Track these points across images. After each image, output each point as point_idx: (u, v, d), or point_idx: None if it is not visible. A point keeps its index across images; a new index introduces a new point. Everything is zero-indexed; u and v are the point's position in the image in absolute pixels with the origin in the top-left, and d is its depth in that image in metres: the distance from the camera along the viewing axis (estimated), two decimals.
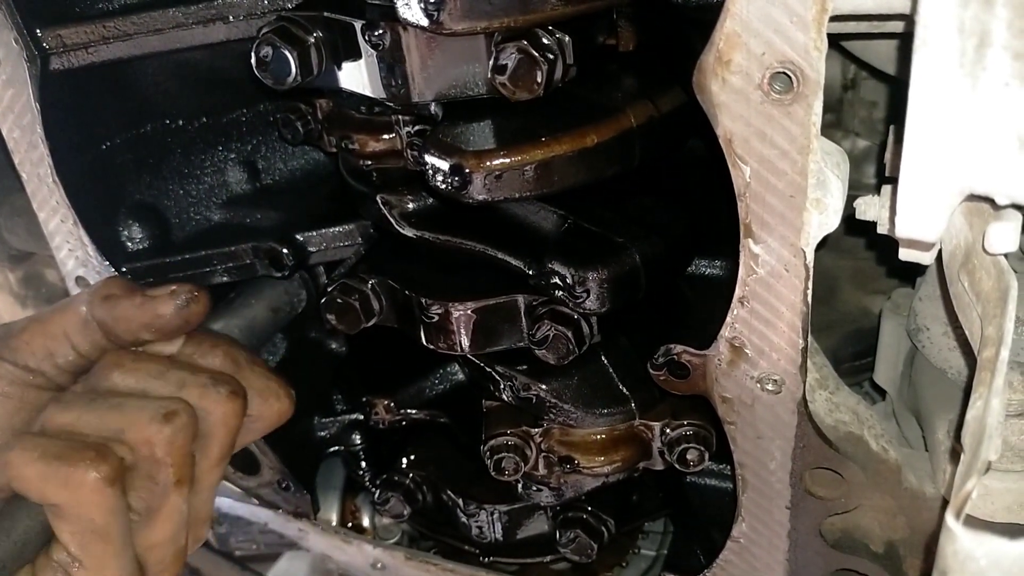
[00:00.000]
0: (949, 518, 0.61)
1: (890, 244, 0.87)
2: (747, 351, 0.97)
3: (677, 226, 1.11)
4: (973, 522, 0.62)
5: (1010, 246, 0.75)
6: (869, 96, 1.41)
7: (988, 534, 0.60)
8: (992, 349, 0.73)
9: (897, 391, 1.22)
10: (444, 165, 0.96)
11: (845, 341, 1.49)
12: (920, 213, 0.71)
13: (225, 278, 1.32)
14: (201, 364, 1.03)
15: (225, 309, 1.29)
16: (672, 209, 1.13)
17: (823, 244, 0.89)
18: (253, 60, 1.01)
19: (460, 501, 1.37)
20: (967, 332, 0.84)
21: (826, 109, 1.43)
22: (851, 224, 0.94)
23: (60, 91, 1.18)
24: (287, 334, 1.49)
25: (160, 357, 1.02)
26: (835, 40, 1.12)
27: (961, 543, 0.60)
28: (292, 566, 2.19)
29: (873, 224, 0.91)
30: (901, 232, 0.73)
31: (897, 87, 1.24)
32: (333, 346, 1.53)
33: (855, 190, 0.94)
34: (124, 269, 1.29)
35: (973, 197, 0.73)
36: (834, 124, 1.47)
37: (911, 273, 1.18)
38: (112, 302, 0.99)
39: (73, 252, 1.29)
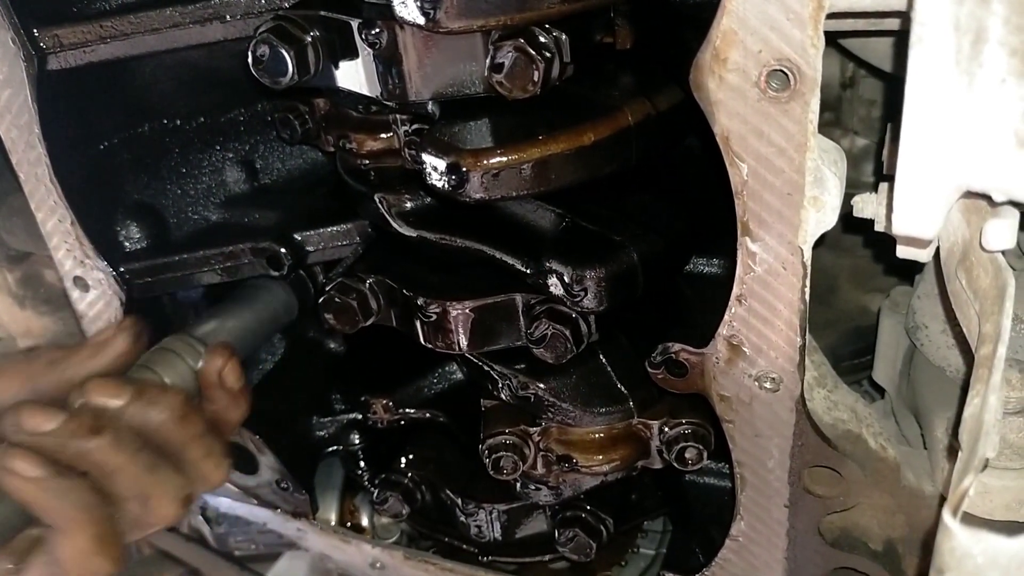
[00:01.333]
0: (946, 515, 0.60)
1: (889, 242, 0.87)
2: (745, 349, 0.97)
3: (675, 224, 1.11)
4: (971, 520, 0.62)
5: (1007, 243, 0.75)
6: (868, 94, 1.41)
7: (985, 531, 0.59)
8: (989, 346, 0.72)
9: (896, 389, 1.22)
10: (441, 164, 0.96)
11: (844, 339, 1.49)
12: (917, 210, 0.71)
13: (223, 278, 1.32)
14: (220, 410, 1.10)
15: (220, 310, 1.29)
16: (670, 207, 1.13)
17: (821, 242, 0.89)
18: (250, 59, 1.01)
19: (459, 500, 1.37)
20: (965, 330, 0.84)
21: (825, 107, 1.43)
22: (850, 222, 0.94)
23: (57, 91, 1.18)
24: (285, 334, 1.49)
25: (202, 417, 1.05)
26: (833, 38, 1.12)
27: (958, 540, 0.60)
28: (292, 566, 2.19)
29: (871, 222, 0.91)
30: (898, 229, 0.73)
31: (895, 85, 1.24)
32: (332, 346, 1.53)
33: (854, 188, 0.94)
34: (122, 269, 1.29)
35: (970, 194, 0.73)
36: (833, 123, 1.46)
37: (910, 271, 1.18)
38: (60, 363, 1.02)
39: (71, 252, 1.28)
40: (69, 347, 1.04)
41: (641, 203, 1.12)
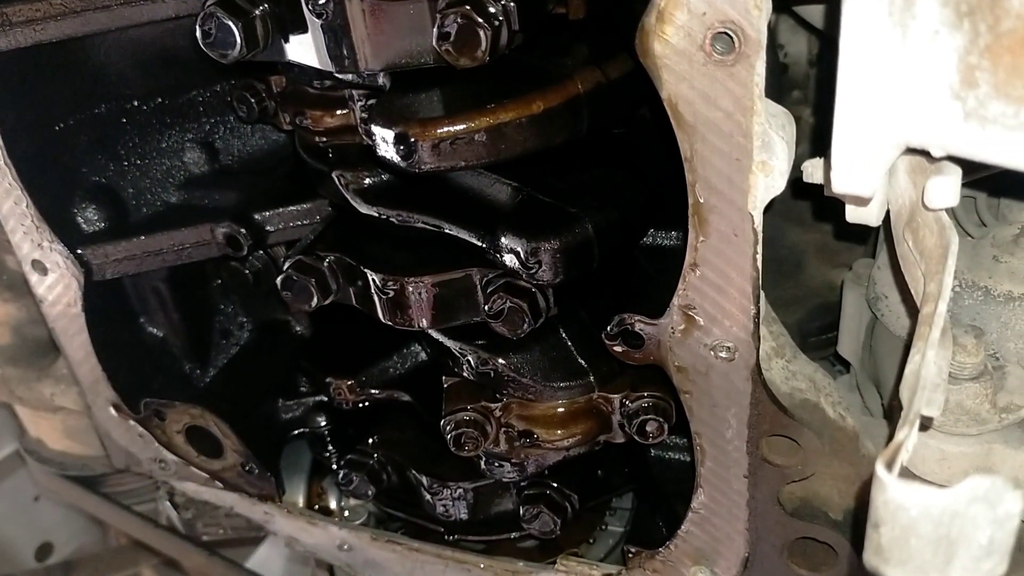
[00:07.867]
0: (879, 468, 0.60)
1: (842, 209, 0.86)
2: (699, 319, 0.96)
3: (631, 196, 1.10)
4: (905, 473, 0.61)
5: (950, 201, 0.74)
6: None
7: (919, 484, 0.59)
8: (932, 304, 0.72)
9: (859, 361, 1.21)
10: (390, 134, 0.96)
11: (811, 315, 1.48)
12: (854, 166, 0.70)
13: (183, 259, 1.31)
14: None
15: None
16: (626, 180, 1.12)
17: (770, 209, 0.88)
18: (199, 33, 1.00)
19: (424, 480, 1.36)
20: (912, 291, 0.84)
21: (793, 86, 1.43)
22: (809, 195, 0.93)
23: (9, 70, 1.17)
24: (251, 317, 1.48)
25: None
26: (784, 5, 1.11)
27: (892, 493, 0.60)
28: (271, 554, 2.18)
29: (821, 188, 0.90)
30: (836, 187, 0.73)
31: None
32: (297, 329, 1.52)
33: None
34: (80, 251, 1.28)
35: (912, 152, 0.72)
36: (802, 101, 1.46)
37: (876, 245, 1.17)
38: None
39: (28, 235, 1.27)
40: None
41: (597, 176, 1.11)
